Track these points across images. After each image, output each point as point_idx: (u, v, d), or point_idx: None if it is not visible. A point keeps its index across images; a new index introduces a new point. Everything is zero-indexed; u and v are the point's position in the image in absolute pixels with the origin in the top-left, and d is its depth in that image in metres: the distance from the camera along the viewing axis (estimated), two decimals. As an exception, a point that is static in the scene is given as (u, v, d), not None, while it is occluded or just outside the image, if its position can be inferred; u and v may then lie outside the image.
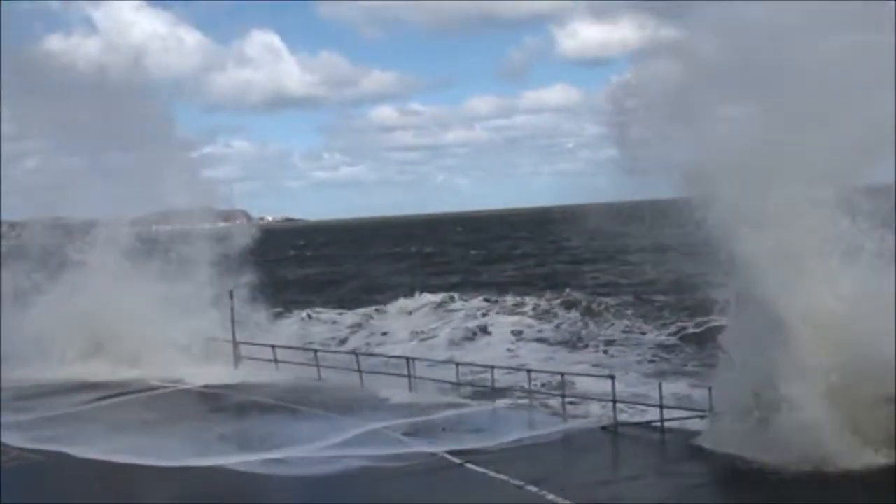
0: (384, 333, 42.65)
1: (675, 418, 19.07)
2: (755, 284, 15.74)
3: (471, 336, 40.01)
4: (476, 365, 27.03)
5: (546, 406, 22.19)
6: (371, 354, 31.12)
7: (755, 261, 15.68)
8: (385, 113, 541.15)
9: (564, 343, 37.80)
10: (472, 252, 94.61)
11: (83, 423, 21.25)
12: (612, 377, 21.20)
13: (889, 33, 15.38)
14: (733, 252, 16.03)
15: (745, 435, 15.78)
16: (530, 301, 48.29)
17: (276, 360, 29.33)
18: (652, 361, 32.53)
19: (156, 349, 29.12)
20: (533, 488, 14.80)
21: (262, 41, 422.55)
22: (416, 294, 52.21)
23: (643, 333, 38.18)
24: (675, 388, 23.48)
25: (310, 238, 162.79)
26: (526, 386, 23.25)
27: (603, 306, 44.58)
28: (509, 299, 49.56)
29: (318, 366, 27.72)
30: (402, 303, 50.06)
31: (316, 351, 29.69)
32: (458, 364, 25.91)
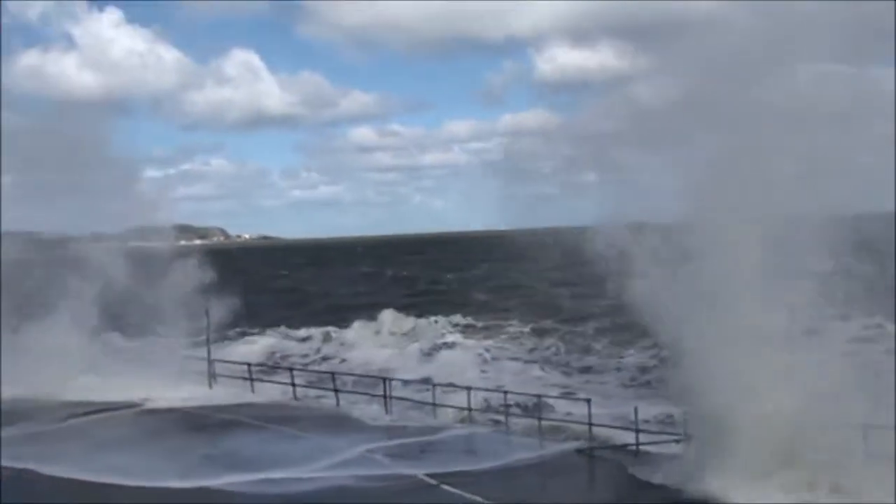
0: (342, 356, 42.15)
1: (652, 442, 19.12)
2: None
3: (437, 352, 39.81)
4: (452, 386, 26.97)
5: (522, 429, 22.16)
6: (347, 374, 30.97)
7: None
8: (364, 133, 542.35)
9: (540, 364, 37.72)
10: (449, 276, 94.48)
11: (61, 442, 20.89)
12: (588, 400, 21.24)
13: (859, 63, 15.65)
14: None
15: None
16: (507, 324, 48.15)
17: (251, 379, 29.15)
18: (631, 384, 32.49)
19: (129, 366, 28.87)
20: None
21: (242, 60, 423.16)
22: (385, 317, 50.23)
23: (621, 357, 38.16)
24: (655, 410, 23.48)
25: (286, 257, 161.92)
26: (503, 408, 23.24)
27: (581, 329, 44.50)
28: (481, 324, 49.18)
29: (293, 384, 27.60)
30: (371, 324, 49.22)
31: (292, 370, 29.56)
32: (434, 384, 25.88)
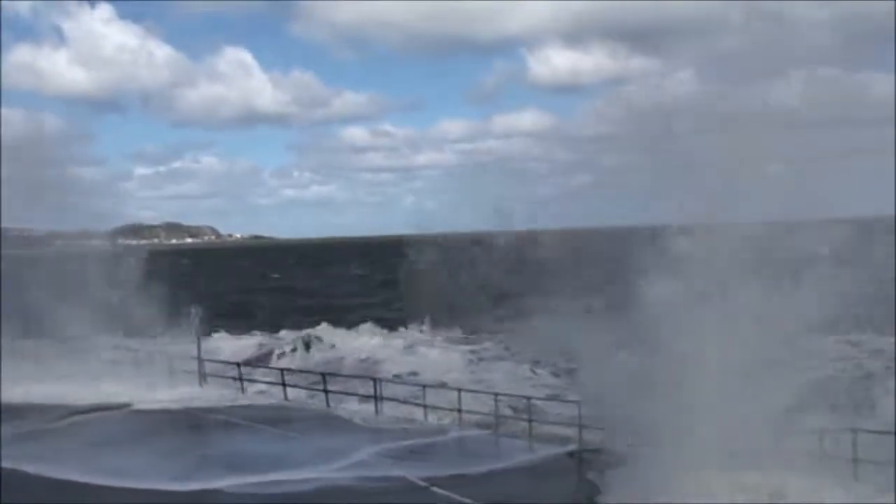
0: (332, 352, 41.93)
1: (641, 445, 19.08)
2: None
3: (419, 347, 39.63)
4: (444, 387, 26.96)
5: (513, 431, 22.15)
6: (337, 375, 30.93)
7: None
8: (356, 133, 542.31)
9: (529, 364, 37.67)
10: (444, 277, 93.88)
11: (58, 442, 20.70)
12: (578, 402, 21.23)
13: (855, 68, 15.72)
14: None
15: None
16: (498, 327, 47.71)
17: (241, 379, 29.07)
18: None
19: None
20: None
21: (234, 58, 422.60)
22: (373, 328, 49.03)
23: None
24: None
25: (277, 257, 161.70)
26: (493, 410, 23.21)
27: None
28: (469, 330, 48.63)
29: (284, 385, 27.54)
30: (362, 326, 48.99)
31: (283, 370, 29.49)
32: (424, 386, 25.85)
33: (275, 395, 27.60)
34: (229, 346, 41.57)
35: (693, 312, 15.32)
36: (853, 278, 15.10)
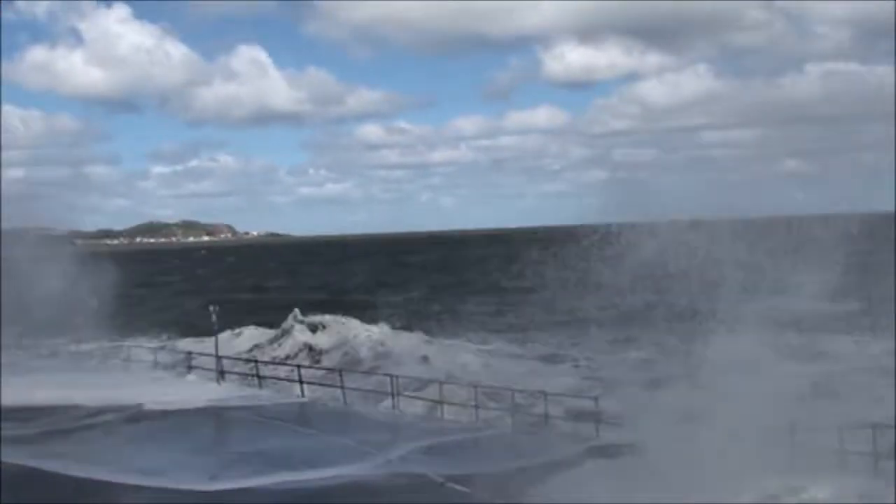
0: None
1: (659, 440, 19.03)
2: None
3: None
4: (460, 383, 26.97)
5: (529, 426, 22.15)
6: (353, 371, 30.98)
7: None
8: (371, 131, 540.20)
9: (543, 360, 37.63)
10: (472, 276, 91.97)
11: (85, 442, 20.71)
12: (595, 398, 21.22)
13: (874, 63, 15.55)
14: None
15: None
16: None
17: (258, 376, 29.25)
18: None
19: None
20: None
21: (249, 56, 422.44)
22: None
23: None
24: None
25: (292, 254, 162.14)
26: (508, 405, 23.23)
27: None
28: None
29: (301, 382, 27.66)
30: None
31: (299, 367, 29.59)
32: (441, 383, 25.90)
33: (291, 392, 27.76)
34: (242, 339, 41.60)
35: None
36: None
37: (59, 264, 32.37)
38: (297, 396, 27.06)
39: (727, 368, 15.53)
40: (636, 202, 18.15)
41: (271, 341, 41.91)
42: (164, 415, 23.93)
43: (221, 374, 29.45)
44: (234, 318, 42.17)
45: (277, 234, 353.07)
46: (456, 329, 48.23)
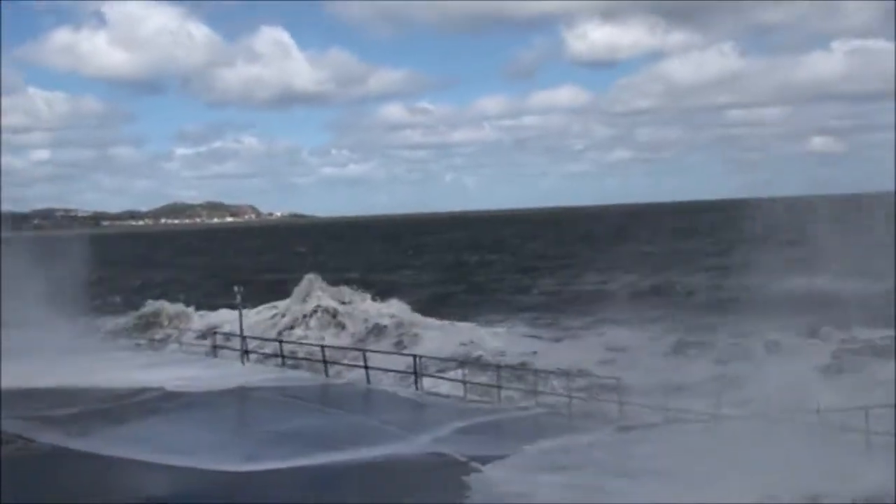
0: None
1: (684, 420, 18.97)
2: None
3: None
4: (482, 364, 27.00)
5: (552, 406, 22.09)
6: (376, 351, 31.01)
7: None
8: (393, 111, 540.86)
9: (560, 340, 37.58)
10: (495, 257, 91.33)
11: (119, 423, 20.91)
12: (617, 378, 21.12)
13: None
14: None
15: None
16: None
17: (282, 356, 29.43)
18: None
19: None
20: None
21: (272, 37, 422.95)
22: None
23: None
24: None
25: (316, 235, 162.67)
26: (532, 387, 23.20)
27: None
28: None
29: (325, 362, 27.81)
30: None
31: (323, 347, 29.70)
32: (463, 362, 25.92)
33: (315, 372, 27.94)
34: (260, 318, 41.64)
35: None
36: None
37: (82, 245, 32.68)
38: (323, 376, 27.20)
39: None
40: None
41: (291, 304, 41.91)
42: (191, 396, 24.07)
43: (246, 353, 29.67)
44: (259, 298, 42.44)
45: (301, 215, 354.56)
46: (479, 309, 48.45)
